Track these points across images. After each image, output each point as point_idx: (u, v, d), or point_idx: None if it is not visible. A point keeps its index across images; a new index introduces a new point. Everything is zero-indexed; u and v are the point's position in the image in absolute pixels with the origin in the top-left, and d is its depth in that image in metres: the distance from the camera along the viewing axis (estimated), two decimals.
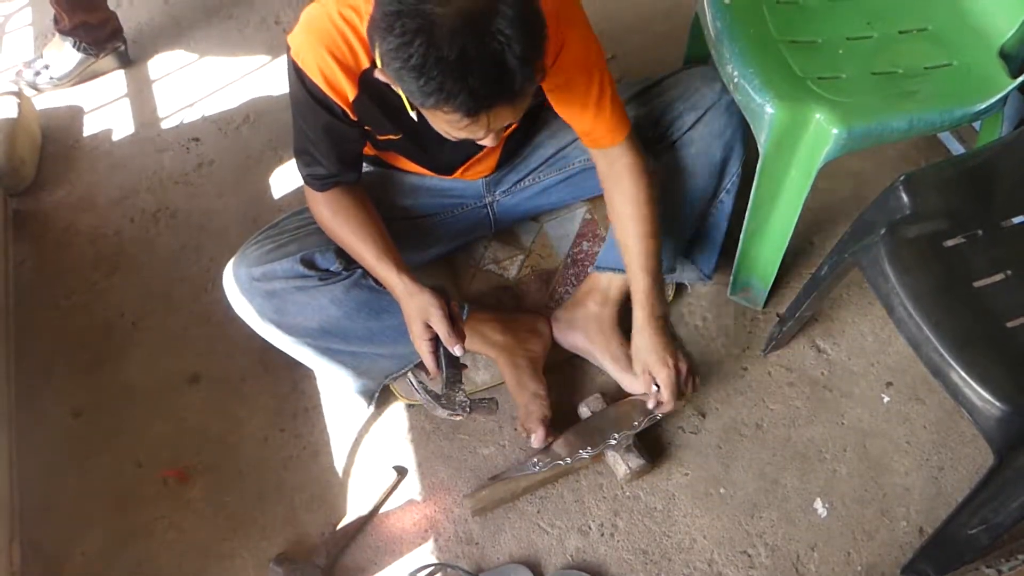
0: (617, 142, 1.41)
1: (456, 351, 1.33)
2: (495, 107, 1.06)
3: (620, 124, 1.40)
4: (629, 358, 1.51)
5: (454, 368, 1.36)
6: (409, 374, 1.41)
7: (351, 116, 1.29)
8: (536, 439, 1.50)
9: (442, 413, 1.37)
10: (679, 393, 1.46)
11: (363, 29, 1.16)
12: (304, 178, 1.40)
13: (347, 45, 1.21)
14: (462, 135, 1.12)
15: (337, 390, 1.65)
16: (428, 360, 1.35)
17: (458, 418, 1.39)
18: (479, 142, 1.19)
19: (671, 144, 1.53)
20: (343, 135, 1.33)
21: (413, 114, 1.17)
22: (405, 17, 0.99)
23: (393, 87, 1.12)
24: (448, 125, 1.10)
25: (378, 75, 1.15)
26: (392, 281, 1.37)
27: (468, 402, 1.36)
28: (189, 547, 1.52)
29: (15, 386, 1.72)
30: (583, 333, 1.61)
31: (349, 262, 1.44)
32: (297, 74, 1.26)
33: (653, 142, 1.54)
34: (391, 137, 1.38)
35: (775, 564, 1.45)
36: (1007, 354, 1.13)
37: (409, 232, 1.54)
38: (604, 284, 1.60)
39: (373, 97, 1.26)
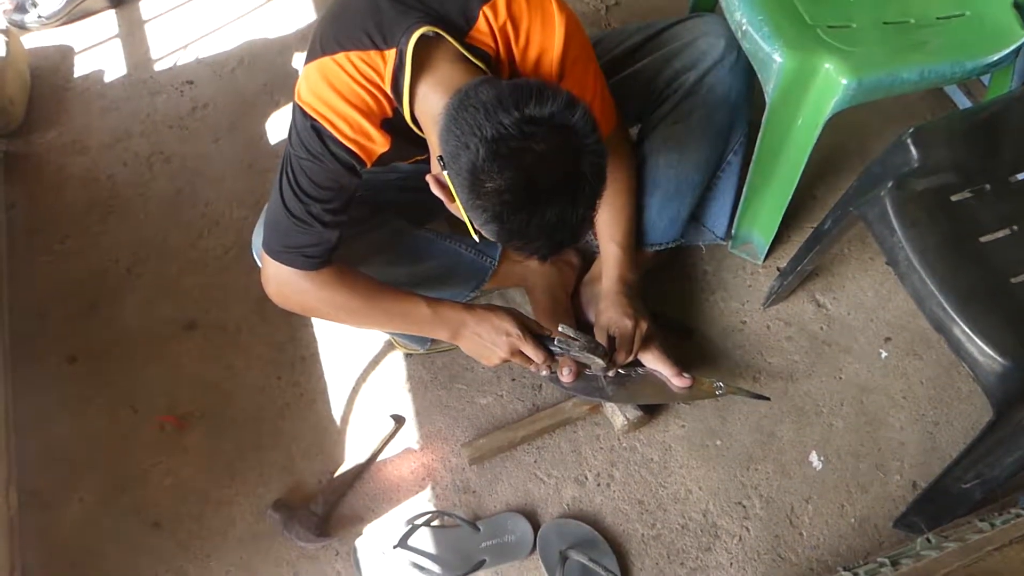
0: (609, 130, 1.39)
1: (564, 329, 1.32)
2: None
3: (612, 111, 1.39)
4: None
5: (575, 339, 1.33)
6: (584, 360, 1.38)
7: (365, 167, 1.21)
8: (568, 374, 1.45)
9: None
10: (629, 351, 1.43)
11: (386, 85, 1.13)
12: (293, 261, 1.23)
13: (375, 100, 1.14)
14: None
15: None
16: (542, 355, 1.33)
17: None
18: None
19: (672, 109, 1.48)
20: (351, 196, 1.23)
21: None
22: (506, 171, 0.97)
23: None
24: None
25: (434, 188, 1.11)
26: (452, 316, 1.32)
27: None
28: (187, 493, 1.53)
29: (9, 332, 1.70)
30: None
31: (375, 212, 1.39)
32: (317, 134, 1.15)
33: (651, 105, 1.50)
34: (419, 158, 1.30)
35: (769, 515, 1.47)
36: (1010, 310, 1.13)
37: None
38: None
39: (400, 134, 1.19)
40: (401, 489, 1.52)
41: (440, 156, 1.05)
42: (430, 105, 1.11)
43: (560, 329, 1.32)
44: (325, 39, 1.15)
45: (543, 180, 0.99)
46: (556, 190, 1.00)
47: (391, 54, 1.12)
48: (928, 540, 1.22)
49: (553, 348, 1.33)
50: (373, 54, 1.12)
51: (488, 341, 1.32)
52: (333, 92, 1.13)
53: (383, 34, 1.12)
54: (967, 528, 1.24)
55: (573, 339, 1.32)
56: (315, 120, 1.14)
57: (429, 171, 1.15)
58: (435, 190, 1.11)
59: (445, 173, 1.05)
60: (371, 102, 1.14)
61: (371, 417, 1.58)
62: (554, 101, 0.99)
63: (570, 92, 1.01)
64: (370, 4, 1.14)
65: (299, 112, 1.16)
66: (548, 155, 0.98)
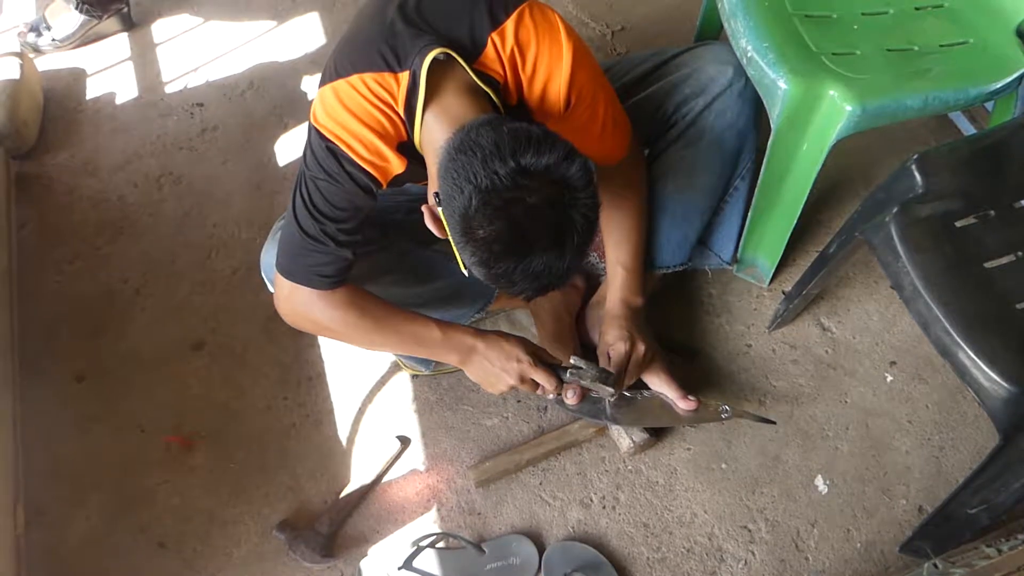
0: (623, 155, 1.40)
1: (576, 361, 1.34)
2: None
3: (625, 136, 1.40)
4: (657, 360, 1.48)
5: (583, 368, 1.35)
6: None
7: (381, 188, 1.22)
8: (573, 396, 1.43)
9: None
10: (623, 373, 1.42)
11: (399, 107, 1.14)
12: (309, 281, 1.24)
13: (390, 122, 1.16)
14: None
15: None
16: (553, 382, 1.33)
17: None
18: None
19: (680, 134, 1.50)
20: (365, 217, 1.24)
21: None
22: (496, 221, 0.98)
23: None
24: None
25: (428, 220, 1.11)
26: (463, 341, 1.33)
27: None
28: (192, 513, 1.53)
29: (18, 350, 1.72)
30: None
31: (383, 232, 1.40)
32: (334, 155, 1.16)
33: (659, 130, 1.52)
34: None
35: (775, 539, 1.46)
36: (1015, 335, 1.13)
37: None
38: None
39: (416, 157, 1.20)
40: (406, 510, 1.52)
41: (436, 192, 1.06)
42: (433, 135, 1.12)
43: (572, 361, 1.34)
44: (340, 61, 1.16)
45: (532, 231, 1.00)
46: (544, 241, 1.01)
47: (404, 76, 1.13)
48: (935, 566, 1.22)
49: (563, 376, 1.34)
50: (387, 76, 1.13)
51: (498, 367, 1.33)
52: (348, 114, 1.14)
53: (397, 56, 1.13)
54: (974, 554, 1.24)
55: (584, 370, 1.33)
56: (331, 142, 1.15)
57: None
58: (429, 222, 1.12)
59: (440, 209, 1.06)
60: (387, 124, 1.15)
61: (377, 438, 1.59)
62: (552, 152, 0.99)
63: (570, 144, 1.01)
64: (385, 26, 1.15)
65: (315, 134, 1.17)
66: (539, 207, 0.99)
